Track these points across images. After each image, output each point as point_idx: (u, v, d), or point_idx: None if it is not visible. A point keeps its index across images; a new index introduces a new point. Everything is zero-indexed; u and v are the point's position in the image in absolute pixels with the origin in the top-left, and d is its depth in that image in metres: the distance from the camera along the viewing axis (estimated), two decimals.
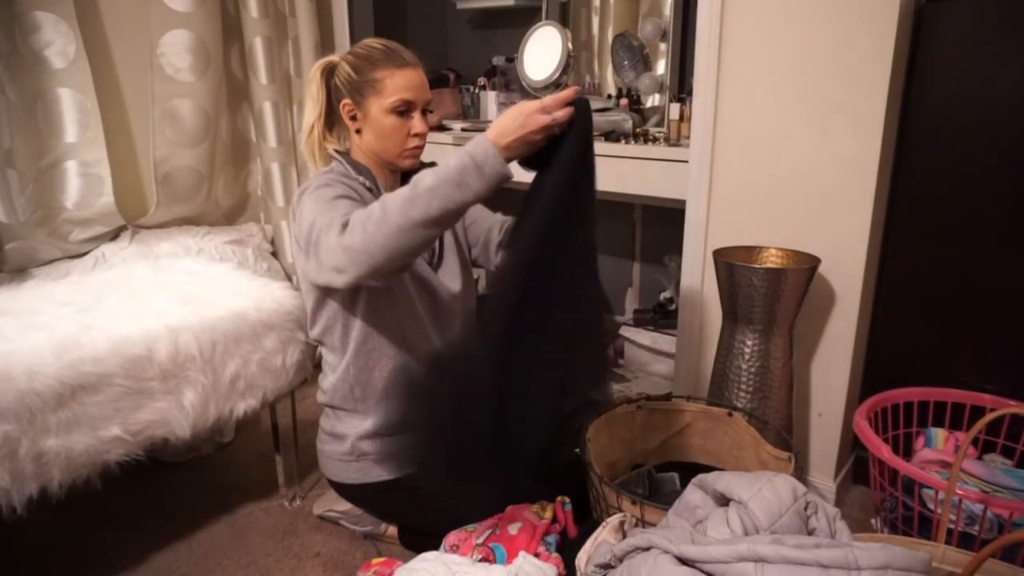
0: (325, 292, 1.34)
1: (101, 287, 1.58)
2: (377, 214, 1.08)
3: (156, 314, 1.41)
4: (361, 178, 1.35)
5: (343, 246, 1.09)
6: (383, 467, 1.38)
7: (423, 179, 1.08)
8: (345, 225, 1.11)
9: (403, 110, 1.32)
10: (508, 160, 1.08)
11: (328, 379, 1.44)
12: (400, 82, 1.31)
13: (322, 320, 1.39)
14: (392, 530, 1.53)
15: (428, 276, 1.40)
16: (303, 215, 1.22)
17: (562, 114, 1.08)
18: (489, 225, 1.53)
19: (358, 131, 1.36)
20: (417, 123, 1.34)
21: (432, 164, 1.50)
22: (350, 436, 1.40)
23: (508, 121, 1.08)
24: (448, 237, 1.49)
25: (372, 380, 1.39)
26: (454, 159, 1.08)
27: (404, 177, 1.41)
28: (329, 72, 1.37)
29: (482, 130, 2.35)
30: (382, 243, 1.06)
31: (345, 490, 1.46)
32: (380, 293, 1.33)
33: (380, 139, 1.34)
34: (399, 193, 1.09)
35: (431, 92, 1.39)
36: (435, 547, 1.37)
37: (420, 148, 1.38)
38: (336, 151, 1.40)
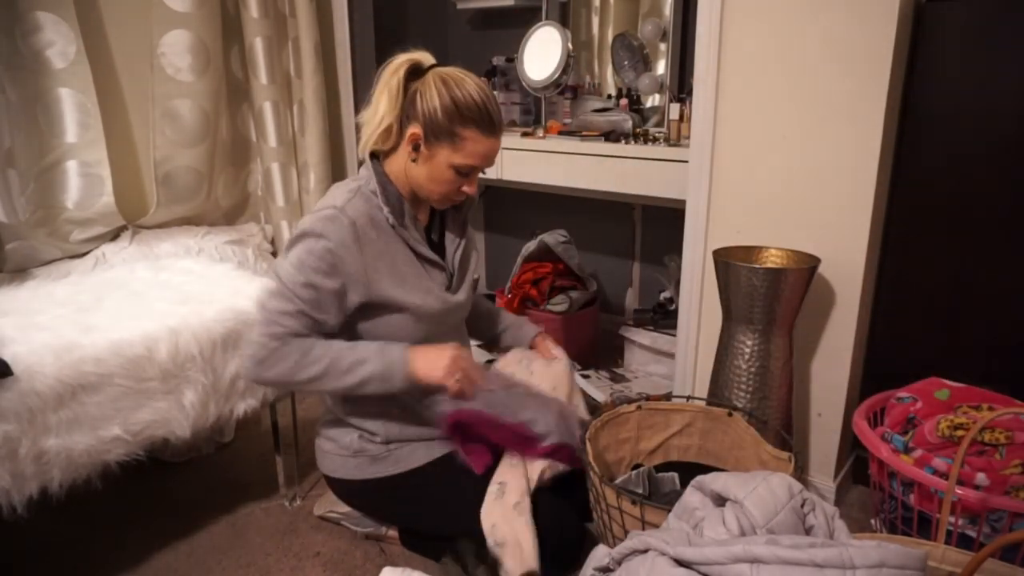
0: None
1: (101, 287, 1.59)
2: (293, 360, 1.24)
3: (156, 314, 1.42)
4: (386, 210, 1.29)
5: (257, 361, 1.24)
6: (380, 464, 1.39)
7: (346, 356, 1.26)
8: (277, 337, 1.23)
9: (466, 172, 1.30)
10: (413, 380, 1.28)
11: None
12: (480, 149, 1.27)
13: None
14: (393, 531, 1.53)
15: (444, 303, 1.38)
16: (286, 259, 1.27)
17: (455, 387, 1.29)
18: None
19: (413, 160, 1.30)
20: (471, 184, 1.33)
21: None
22: (348, 433, 1.41)
23: (439, 361, 1.29)
24: (472, 261, 1.49)
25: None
26: (380, 360, 1.27)
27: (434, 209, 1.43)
28: (411, 75, 1.28)
29: None
30: (283, 381, 1.27)
31: (342, 486, 1.46)
32: (364, 325, 1.34)
33: (430, 182, 1.30)
34: (323, 356, 1.25)
35: None
36: (435, 549, 1.37)
37: (460, 201, 1.39)
38: (374, 160, 1.34)
